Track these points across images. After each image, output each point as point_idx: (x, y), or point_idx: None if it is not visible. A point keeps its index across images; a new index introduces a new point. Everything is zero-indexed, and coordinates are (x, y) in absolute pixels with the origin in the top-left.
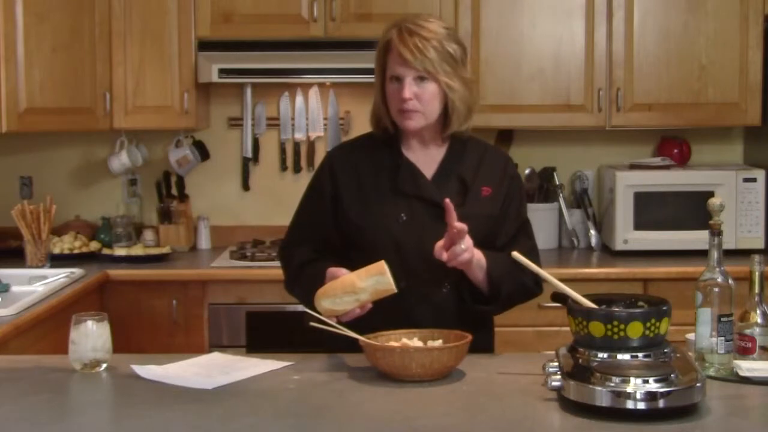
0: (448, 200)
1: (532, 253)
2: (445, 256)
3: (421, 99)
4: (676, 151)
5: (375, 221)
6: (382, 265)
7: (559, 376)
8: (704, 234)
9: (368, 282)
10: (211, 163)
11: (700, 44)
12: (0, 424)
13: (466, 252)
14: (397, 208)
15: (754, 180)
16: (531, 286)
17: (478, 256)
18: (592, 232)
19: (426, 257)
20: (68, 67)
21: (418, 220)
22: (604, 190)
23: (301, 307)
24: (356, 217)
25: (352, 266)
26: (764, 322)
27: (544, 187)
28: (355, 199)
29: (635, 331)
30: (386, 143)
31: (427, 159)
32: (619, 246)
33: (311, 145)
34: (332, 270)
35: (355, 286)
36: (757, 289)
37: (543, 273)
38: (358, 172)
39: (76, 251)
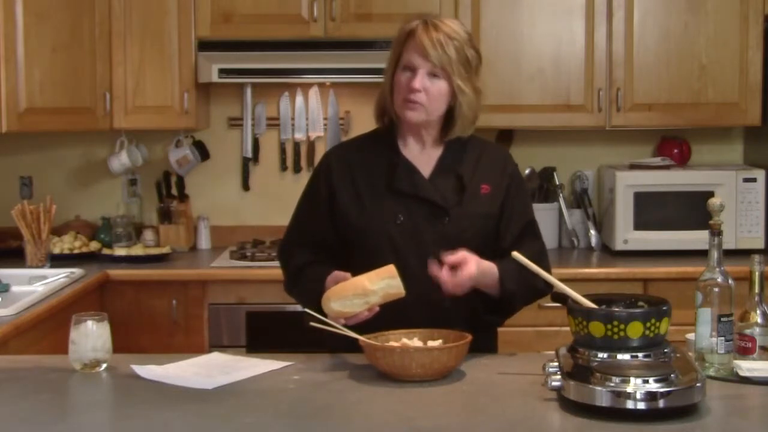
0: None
1: (541, 255)
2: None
3: (429, 93)
4: (676, 151)
5: (372, 222)
6: (392, 269)
7: (559, 376)
8: (704, 234)
9: (379, 285)
10: (211, 163)
11: (700, 44)
12: (0, 424)
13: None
14: (395, 208)
15: (754, 180)
16: (541, 288)
17: (489, 267)
18: (592, 232)
19: (424, 257)
20: (68, 67)
21: (415, 221)
22: (604, 190)
23: (301, 307)
24: (353, 218)
25: (350, 267)
26: (764, 322)
27: (544, 187)
28: (352, 200)
29: (635, 331)
30: (384, 142)
31: (424, 158)
32: (619, 246)
33: (311, 145)
34: (336, 273)
35: (366, 288)
36: (757, 289)
37: (544, 274)
38: (355, 172)
39: (76, 251)
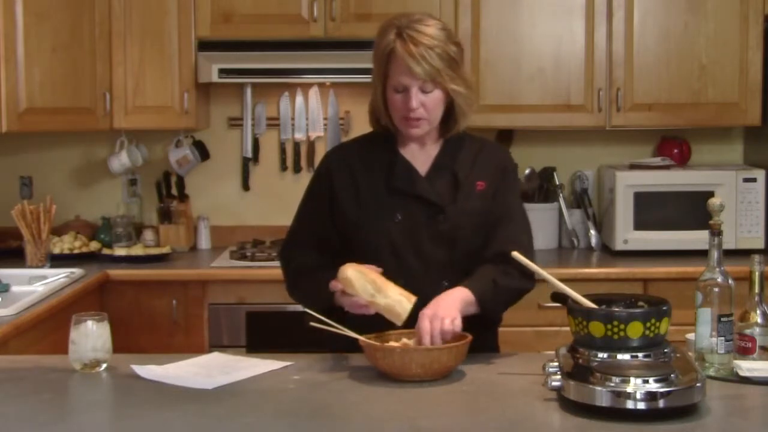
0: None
1: (515, 242)
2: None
3: (427, 106)
4: (676, 151)
5: (371, 221)
6: (413, 299)
7: (559, 376)
8: (704, 234)
9: (396, 297)
10: (211, 163)
11: (700, 44)
12: (0, 424)
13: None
14: (393, 207)
15: (754, 180)
16: (521, 286)
17: (464, 294)
18: (592, 232)
19: (422, 256)
20: (68, 67)
21: (413, 219)
22: (604, 190)
23: (301, 307)
24: (353, 218)
25: None
26: (764, 322)
27: (544, 187)
28: (351, 200)
29: (635, 331)
30: (383, 142)
31: (422, 155)
32: (619, 246)
33: (311, 145)
34: (334, 283)
35: (383, 288)
36: (757, 289)
37: (543, 273)
38: (354, 172)
39: (76, 251)
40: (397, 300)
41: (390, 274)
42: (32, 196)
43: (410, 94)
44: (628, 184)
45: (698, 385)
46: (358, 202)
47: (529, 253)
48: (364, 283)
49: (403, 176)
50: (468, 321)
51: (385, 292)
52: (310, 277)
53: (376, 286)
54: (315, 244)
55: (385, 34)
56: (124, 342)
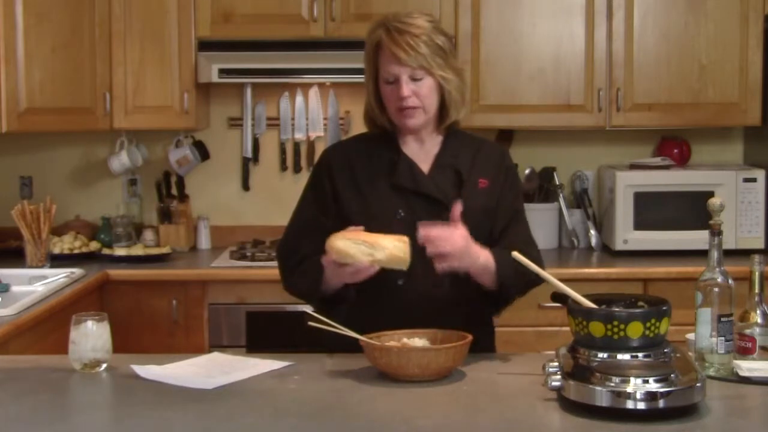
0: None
1: (528, 242)
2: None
3: (419, 95)
4: (676, 151)
5: (373, 218)
6: (406, 239)
7: (559, 376)
8: (704, 234)
9: (393, 243)
10: (211, 163)
11: (700, 44)
12: (0, 424)
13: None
14: (395, 204)
15: (754, 180)
16: (535, 279)
17: (486, 256)
18: (592, 232)
19: (424, 254)
20: (68, 67)
21: (416, 216)
22: (604, 190)
23: (301, 307)
24: (354, 215)
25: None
26: (764, 322)
27: (544, 187)
28: (352, 196)
29: (635, 331)
30: (383, 140)
31: (422, 153)
32: (619, 246)
33: (311, 145)
34: (352, 227)
35: (378, 242)
36: (757, 289)
37: (543, 273)
38: (354, 168)
39: (76, 251)
40: (394, 246)
41: (391, 272)
42: (32, 196)
43: (401, 83)
44: (628, 184)
45: (698, 385)
46: (359, 198)
47: (539, 258)
48: (359, 246)
49: (406, 173)
50: (468, 316)
51: (381, 245)
52: (310, 264)
53: (369, 243)
54: (314, 241)
55: (372, 31)
56: (124, 342)
